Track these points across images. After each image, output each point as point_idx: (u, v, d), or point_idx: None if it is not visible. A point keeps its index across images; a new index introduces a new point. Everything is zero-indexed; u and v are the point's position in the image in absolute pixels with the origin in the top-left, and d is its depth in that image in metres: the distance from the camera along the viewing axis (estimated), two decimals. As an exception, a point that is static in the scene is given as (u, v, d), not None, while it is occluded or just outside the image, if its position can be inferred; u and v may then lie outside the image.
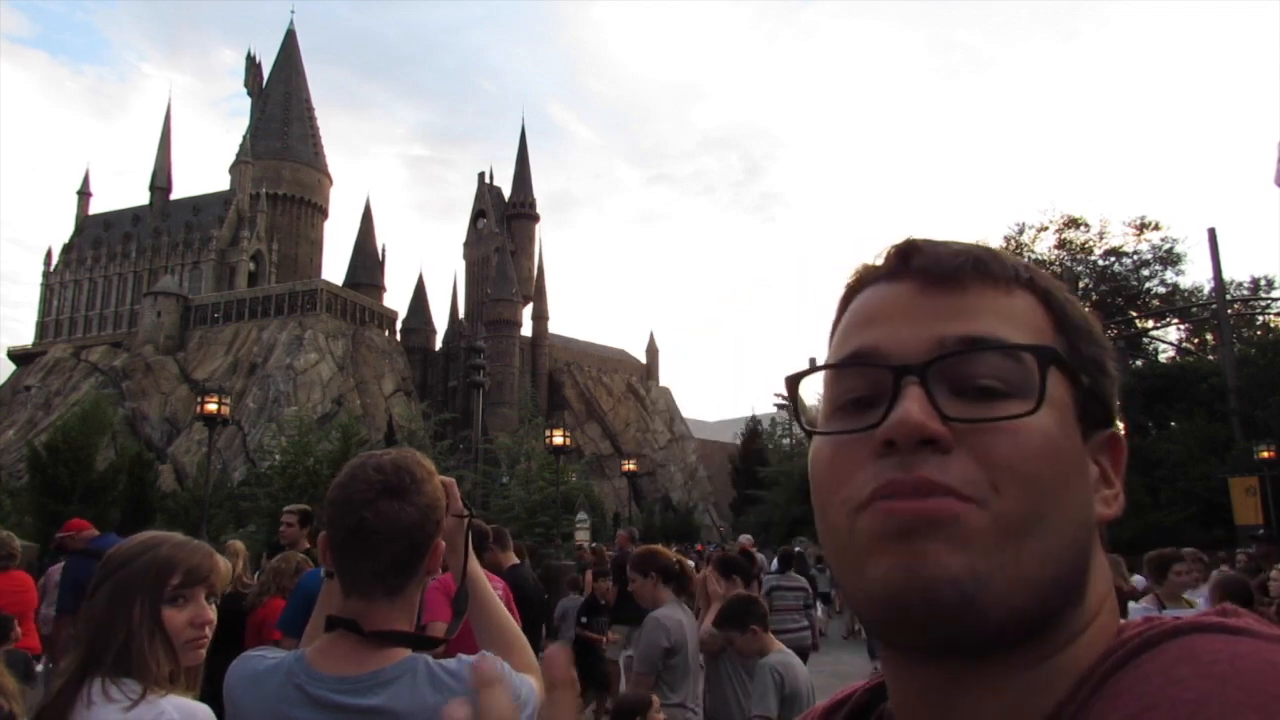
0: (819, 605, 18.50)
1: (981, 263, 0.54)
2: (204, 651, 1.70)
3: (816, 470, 0.53)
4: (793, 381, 0.57)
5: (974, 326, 0.51)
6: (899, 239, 0.57)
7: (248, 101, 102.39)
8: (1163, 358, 39.67)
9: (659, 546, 4.79)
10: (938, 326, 0.52)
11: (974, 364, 0.50)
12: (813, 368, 0.56)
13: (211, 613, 1.70)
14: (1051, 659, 0.48)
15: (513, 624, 1.76)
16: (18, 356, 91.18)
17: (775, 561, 10.35)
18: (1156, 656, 0.44)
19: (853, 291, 0.58)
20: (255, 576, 5.91)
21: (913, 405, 0.49)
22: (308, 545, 5.69)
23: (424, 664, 1.45)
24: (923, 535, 0.47)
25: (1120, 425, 0.56)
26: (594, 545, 16.08)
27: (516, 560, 5.99)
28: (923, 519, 0.47)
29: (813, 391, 0.57)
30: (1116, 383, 0.57)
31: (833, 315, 0.60)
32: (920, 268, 0.54)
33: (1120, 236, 42.96)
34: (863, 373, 0.53)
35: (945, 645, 0.48)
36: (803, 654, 7.64)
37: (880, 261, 0.57)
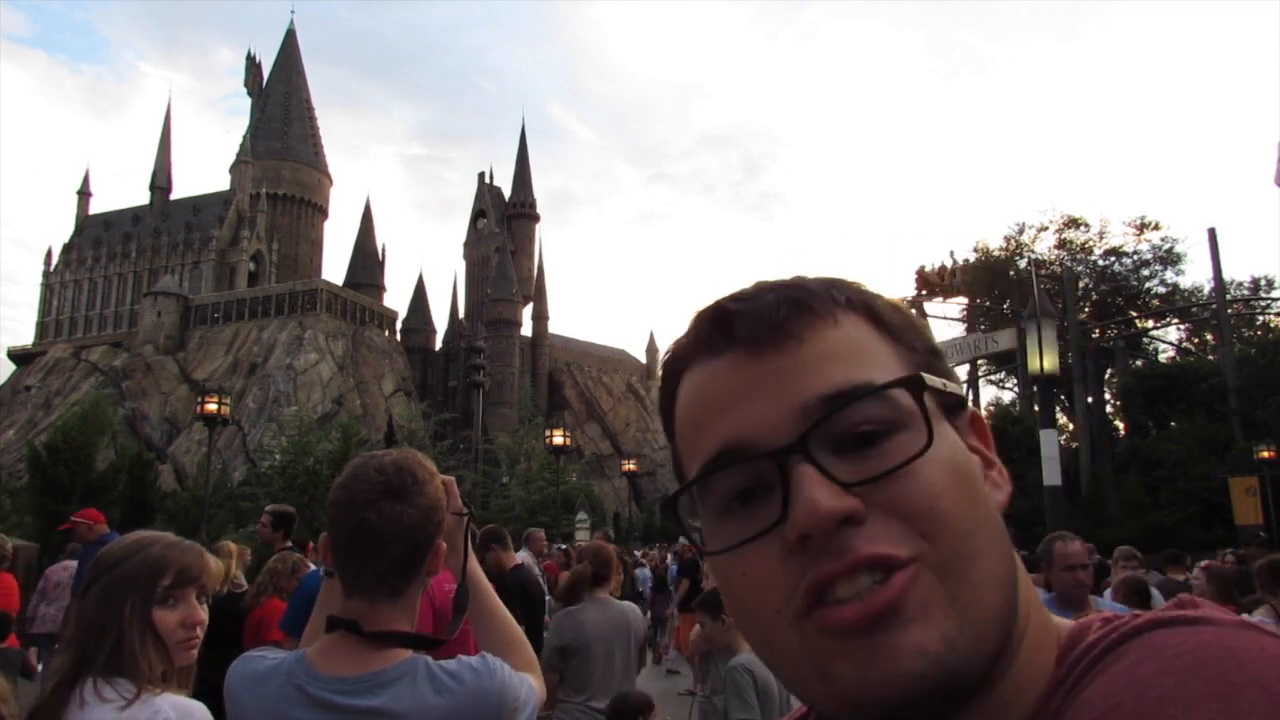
0: None
1: (800, 304, 0.51)
2: (195, 652, 1.71)
3: (732, 589, 0.49)
4: (670, 505, 0.53)
5: (827, 381, 0.49)
6: (706, 308, 0.54)
7: (247, 101, 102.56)
8: (1163, 358, 39.69)
9: (600, 544, 4.85)
10: (791, 393, 0.49)
11: (846, 417, 0.48)
12: (687, 484, 0.52)
13: (203, 613, 1.70)
14: (1003, 680, 0.47)
15: (513, 623, 1.76)
16: (18, 356, 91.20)
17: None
18: (1120, 657, 0.44)
19: (675, 369, 0.55)
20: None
21: (813, 490, 0.46)
22: (283, 546, 5.67)
23: (424, 665, 1.45)
24: (883, 627, 0.45)
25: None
26: (565, 547, 16.18)
27: (518, 561, 6.00)
28: (879, 614, 0.45)
29: (687, 506, 0.53)
30: (945, 357, 0.55)
31: (659, 398, 0.57)
32: (744, 333, 0.51)
33: (1120, 236, 43.00)
34: (739, 468, 0.49)
35: (928, 714, 0.46)
36: None
37: (696, 333, 0.53)
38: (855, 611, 0.45)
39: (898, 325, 0.53)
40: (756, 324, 0.50)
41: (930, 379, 0.50)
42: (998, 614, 0.46)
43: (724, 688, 3.74)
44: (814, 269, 0.53)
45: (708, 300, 0.54)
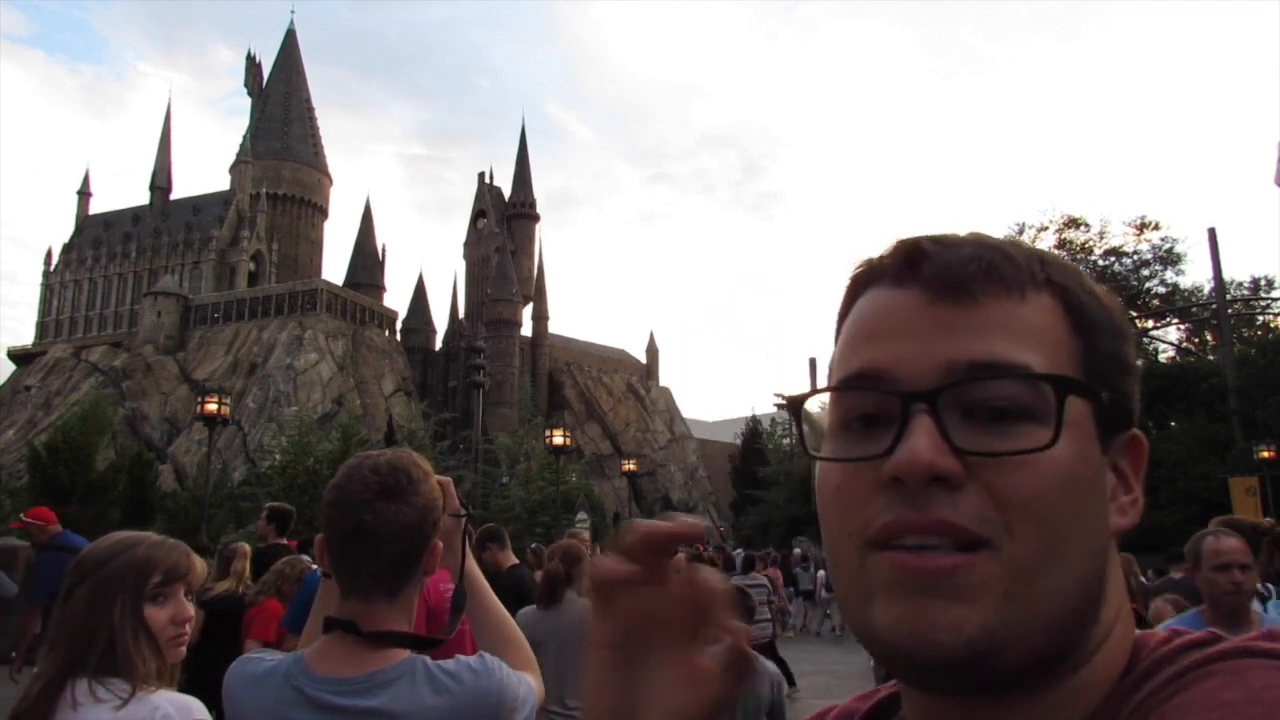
0: (799, 600, 19.38)
1: (994, 268, 0.50)
2: (184, 649, 1.73)
3: (823, 497, 0.52)
4: (795, 404, 0.55)
5: (985, 348, 0.48)
6: (905, 238, 0.54)
7: (245, 100, 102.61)
8: (1163, 358, 39.67)
9: (569, 542, 4.86)
10: (948, 348, 0.49)
11: (985, 389, 0.48)
12: (816, 390, 0.55)
13: (191, 609, 1.73)
14: (1069, 678, 0.48)
15: (511, 621, 1.77)
16: (18, 356, 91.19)
17: (740, 564, 12.23)
18: (1204, 679, 0.43)
19: (859, 284, 0.56)
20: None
21: (921, 440, 0.47)
22: (276, 540, 5.70)
23: (423, 665, 1.45)
24: (932, 592, 0.45)
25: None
26: (535, 546, 16.35)
27: (516, 560, 6.00)
28: (931, 576, 0.45)
29: (817, 403, 0.55)
30: (1138, 375, 0.54)
31: (839, 304, 0.58)
32: (929, 275, 0.51)
33: (1120, 236, 42.95)
34: (869, 393, 0.51)
35: (956, 691, 0.48)
36: (765, 647, 9.48)
37: (887, 259, 0.54)
38: (909, 562, 0.46)
39: (1094, 321, 0.52)
40: (943, 273, 0.51)
41: (1082, 383, 0.49)
42: (1053, 623, 0.46)
43: None
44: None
45: (913, 231, 0.54)
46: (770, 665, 4.11)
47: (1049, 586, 0.46)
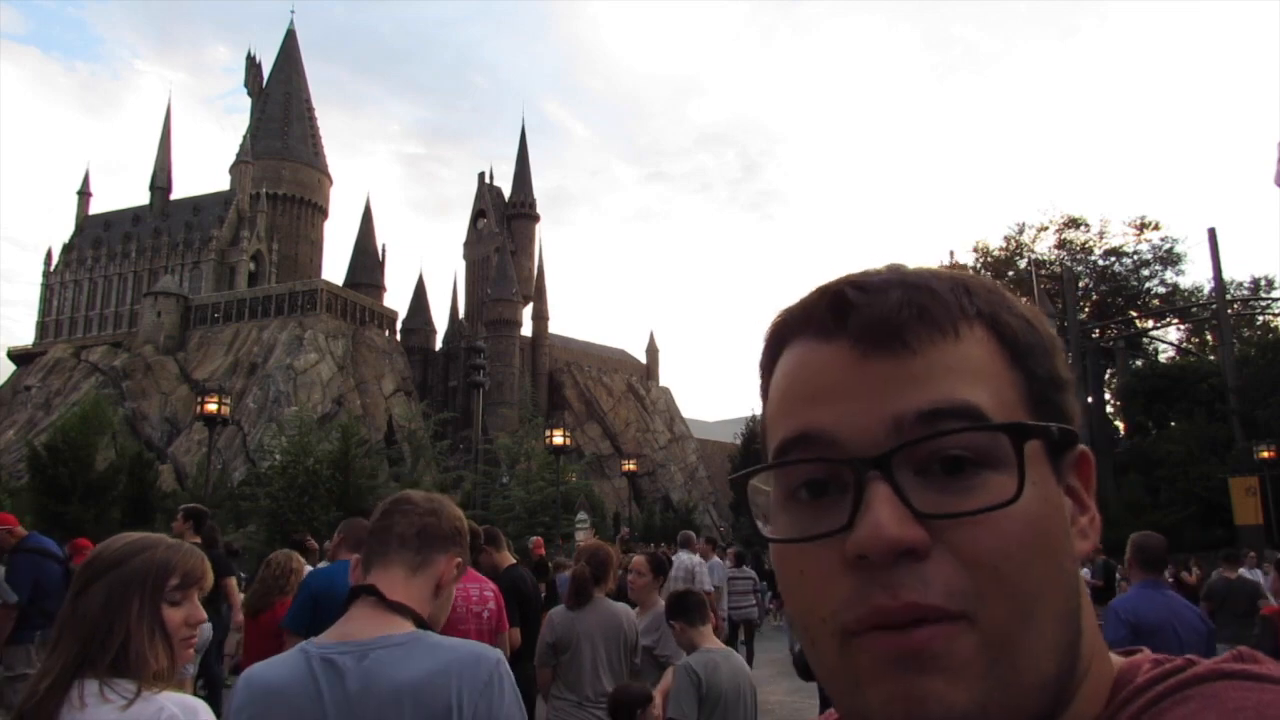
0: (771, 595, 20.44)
1: (925, 311, 0.48)
2: (193, 651, 1.78)
3: (786, 580, 0.49)
4: (741, 483, 0.52)
5: (929, 397, 0.46)
6: (825, 285, 0.51)
7: (242, 98, 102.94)
8: (1163, 358, 39.68)
9: (597, 543, 4.96)
10: (891, 403, 0.47)
11: (938, 443, 0.46)
12: (761, 466, 0.51)
13: (204, 613, 1.75)
14: (1056, 717, 0.46)
15: None
16: (18, 356, 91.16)
17: (730, 559, 13.41)
18: (1180, 704, 0.43)
19: (781, 335, 0.53)
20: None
21: (883, 512, 0.44)
22: (194, 540, 5.76)
23: (426, 637, 1.63)
24: (917, 669, 0.44)
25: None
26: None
27: (513, 560, 6.00)
28: (913, 651, 0.44)
29: (761, 479, 0.52)
30: (1072, 386, 0.52)
31: (760, 354, 0.55)
32: (858, 328, 0.48)
33: (1120, 236, 43.02)
34: (817, 462, 0.48)
35: None
36: (751, 624, 12.50)
37: (810, 310, 0.51)
38: (888, 643, 0.44)
39: (1025, 344, 0.50)
40: (873, 324, 0.48)
41: (1036, 426, 0.47)
42: (1044, 683, 0.45)
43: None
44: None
45: (832, 276, 0.52)
46: (740, 663, 3.98)
47: (1031, 649, 0.45)
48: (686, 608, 3.86)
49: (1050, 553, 0.46)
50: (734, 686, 3.63)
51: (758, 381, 0.55)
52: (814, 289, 0.52)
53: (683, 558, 8.51)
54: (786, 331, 0.53)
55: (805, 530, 0.47)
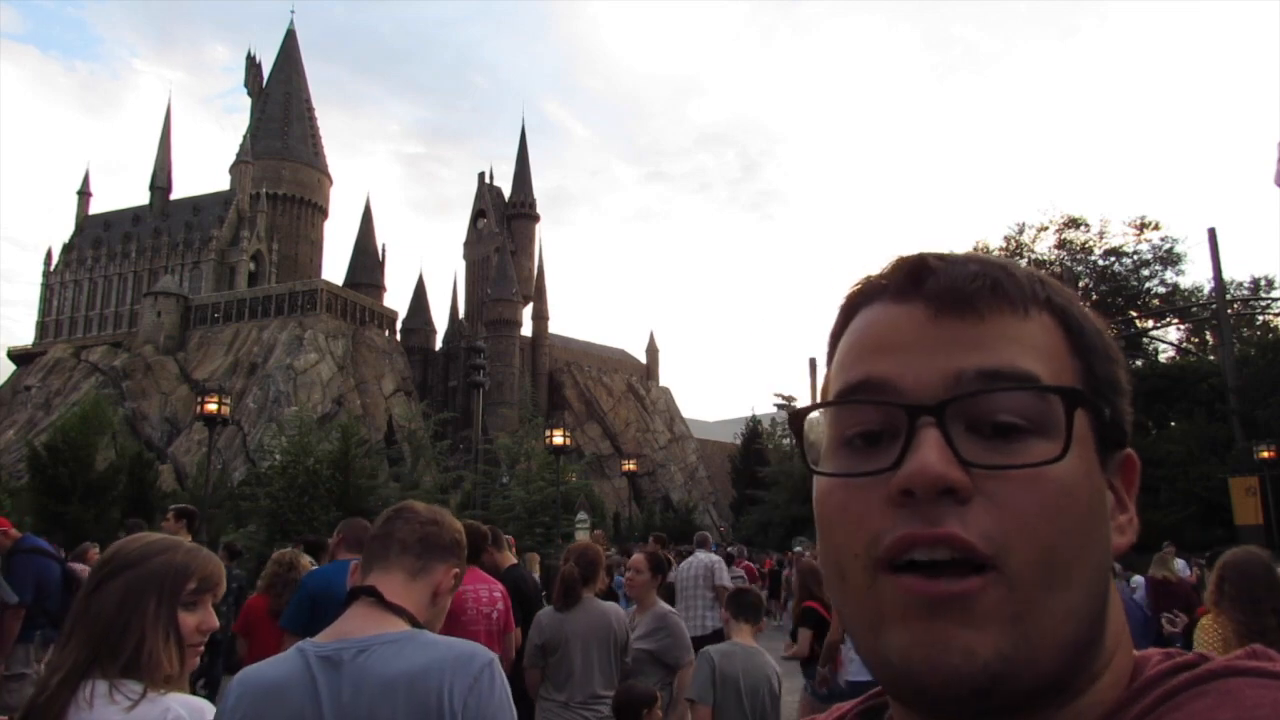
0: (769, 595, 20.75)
1: (999, 285, 0.50)
2: (199, 658, 1.74)
3: (826, 513, 0.50)
4: (797, 418, 0.54)
5: (992, 359, 0.48)
6: (909, 254, 0.53)
7: (242, 98, 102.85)
8: (1163, 358, 39.67)
9: (585, 544, 4.93)
10: (954, 360, 0.49)
11: (993, 401, 0.47)
12: (821, 403, 0.53)
13: (216, 620, 1.74)
14: (1073, 703, 0.47)
15: None
16: (18, 356, 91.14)
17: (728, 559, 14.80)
18: (1196, 699, 0.44)
19: (856, 303, 0.55)
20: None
21: (931, 453, 0.46)
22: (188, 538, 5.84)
23: (421, 635, 1.67)
24: (944, 616, 0.45)
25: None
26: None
27: (514, 560, 6.01)
28: (942, 599, 0.45)
29: (817, 418, 0.53)
30: (1129, 396, 0.54)
31: (833, 324, 0.56)
32: (933, 291, 0.51)
33: (1120, 236, 43.02)
34: (873, 406, 0.50)
35: (964, 716, 0.46)
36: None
37: (888, 276, 0.53)
38: (919, 587, 0.45)
39: (1090, 344, 0.52)
40: (947, 288, 0.50)
41: (1090, 398, 0.49)
42: (1062, 645, 0.46)
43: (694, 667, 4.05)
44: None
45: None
46: (770, 660, 4.13)
47: (1055, 609, 0.45)
48: (743, 605, 4.25)
49: (1085, 526, 0.47)
50: (748, 676, 3.89)
51: (824, 352, 0.56)
52: (893, 259, 0.54)
53: (700, 557, 8.55)
54: (861, 299, 0.54)
55: (854, 469, 0.49)
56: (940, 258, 0.52)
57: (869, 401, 0.50)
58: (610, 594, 7.70)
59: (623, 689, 3.96)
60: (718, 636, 5.06)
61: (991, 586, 0.45)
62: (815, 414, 0.53)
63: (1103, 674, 0.48)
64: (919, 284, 0.51)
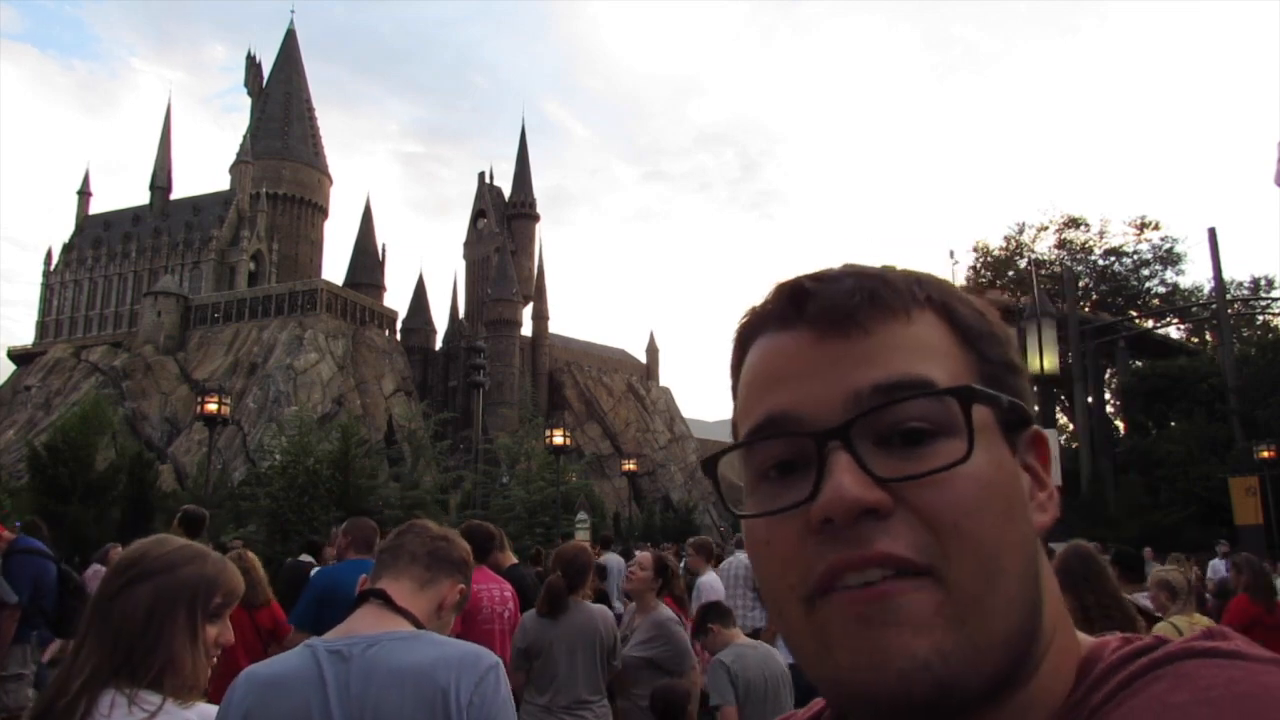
0: None
1: (876, 295, 0.51)
2: (210, 670, 1.71)
3: (755, 553, 0.51)
4: (710, 464, 0.55)
5: (884, 372, 0.49)
6: (783, 281, 0.54)
7: (242, 98, 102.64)
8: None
9: (578, 545, 4.89)
10: (848, 379, 0.49)
11: (894, 413, 0.48)
12: (729, 447, 0.54)
13: (232, 634, 1.72)
14: (1017, 693, 0.47)
15: None
16: (18, 356, 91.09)
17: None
18: (1152, 683, 0.44)
19: (746, 335, 0.56)
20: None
21: (844, 477, 0.46)
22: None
23: (429, 634, 1.73)
24: (882, 622, 0.45)
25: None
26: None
27: (514, 560, 6.02)
28: (879, 603, 0.45)
29: (731, 462, 0.55)
30: (1026, 374, 0.55)
31: (730, 357, 0.57)
32: (814, 314, 0.51)
33: (1120, 236, 43.09)
34: (782, 440, 0.50)
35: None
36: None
37: (771, 304, 0.54)
38: (851, 599, 0.46)
39: (976, 331, 0.53)
40: (828, 308, 0.51)
41: (985, 392, 0.50)
42: (1006, 639, 0.46)
43: (708, 676, 4.14)
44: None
45: (790, 273, 0.54)
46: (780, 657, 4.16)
47: (995, 605, 0.46)
48: (720, 613, 4.38)
49: (1008, 514, 0.48)
50: (761, 675, 3.98)
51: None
52: (773, 287, 0.55)
53: (740, 557, 8.42)
54: (750, 331, 0.55)
55: (773, 505, 0.49)
56: (816, 278, 0.53)
57: (776, 436, 0.50)
58: (601, 596, 7.64)
59: (664, 687, 3.99)
60: (758, 636, 5.04)
61: (923, 589, 0.45)
62: (728, 456, 0.55)
63: (1042, 662, 0.48)
64: (800, 308, 0.52)
